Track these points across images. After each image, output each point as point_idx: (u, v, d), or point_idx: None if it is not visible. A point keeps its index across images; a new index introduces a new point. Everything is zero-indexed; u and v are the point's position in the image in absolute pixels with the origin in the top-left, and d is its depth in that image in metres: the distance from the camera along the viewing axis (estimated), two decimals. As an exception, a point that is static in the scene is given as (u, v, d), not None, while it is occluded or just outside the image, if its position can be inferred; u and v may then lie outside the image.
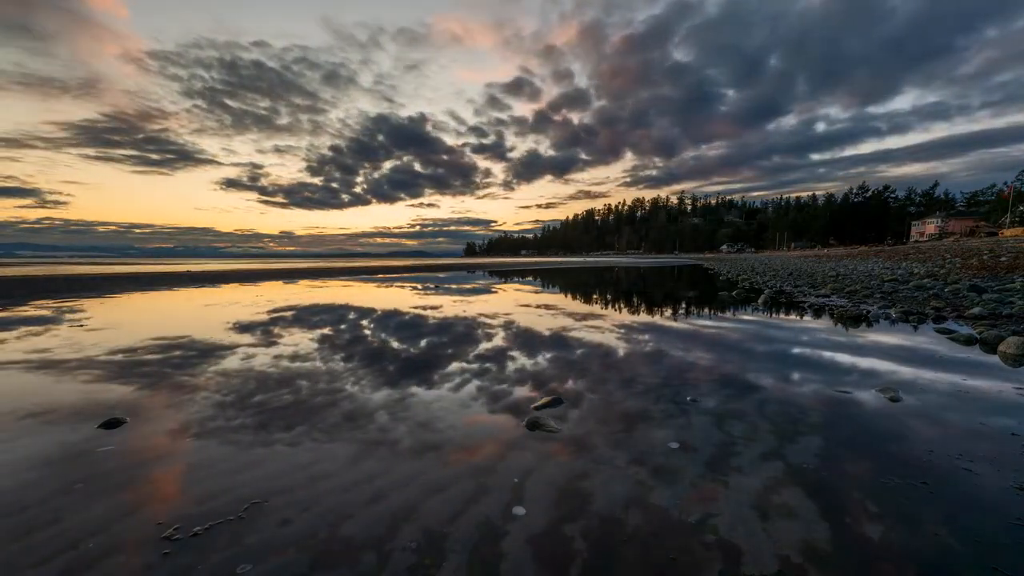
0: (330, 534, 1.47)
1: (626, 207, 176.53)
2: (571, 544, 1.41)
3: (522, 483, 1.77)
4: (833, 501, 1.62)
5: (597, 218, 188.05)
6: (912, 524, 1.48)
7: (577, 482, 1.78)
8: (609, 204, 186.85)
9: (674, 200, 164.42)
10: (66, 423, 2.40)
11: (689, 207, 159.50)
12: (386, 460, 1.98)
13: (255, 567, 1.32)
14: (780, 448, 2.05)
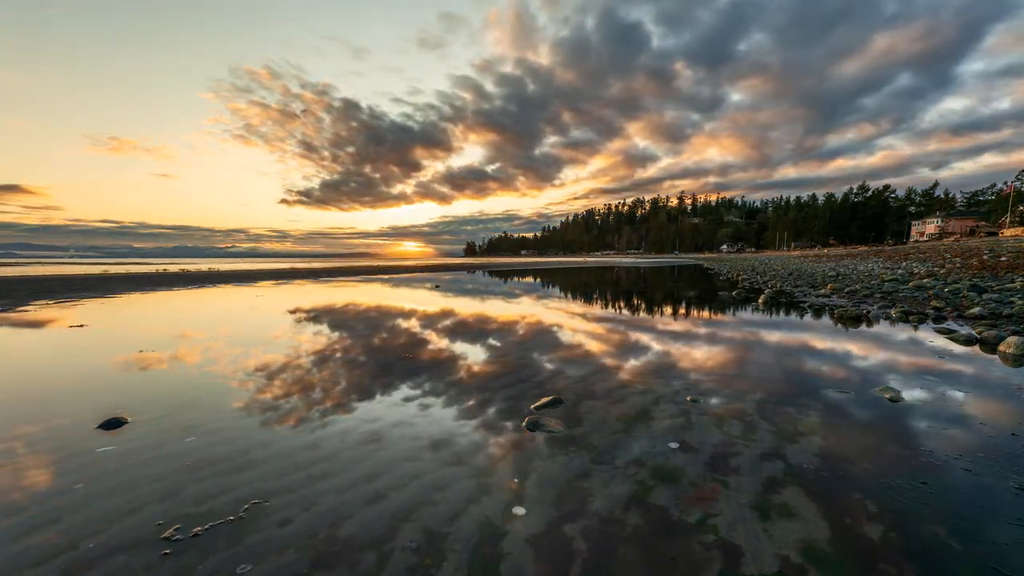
0: (330, 534, 1.47)
1: (626, 207, 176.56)
2: (571, 544, 1.41)
3: (522, 483, 1.77)
4: (833, 501, 1.62)
5: (597, 218, 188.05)
6: (912, 524, 1.48)
7: (577, 482, 1.78)
8: (609, 204, 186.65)
9: (674, 200, 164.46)
10: (68, 423, 2.40)
11: (689, 207, 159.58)
12: (385, 459, 1.98)
13: (255, 567, 1.32)
14: (780, 448, 2.05)
